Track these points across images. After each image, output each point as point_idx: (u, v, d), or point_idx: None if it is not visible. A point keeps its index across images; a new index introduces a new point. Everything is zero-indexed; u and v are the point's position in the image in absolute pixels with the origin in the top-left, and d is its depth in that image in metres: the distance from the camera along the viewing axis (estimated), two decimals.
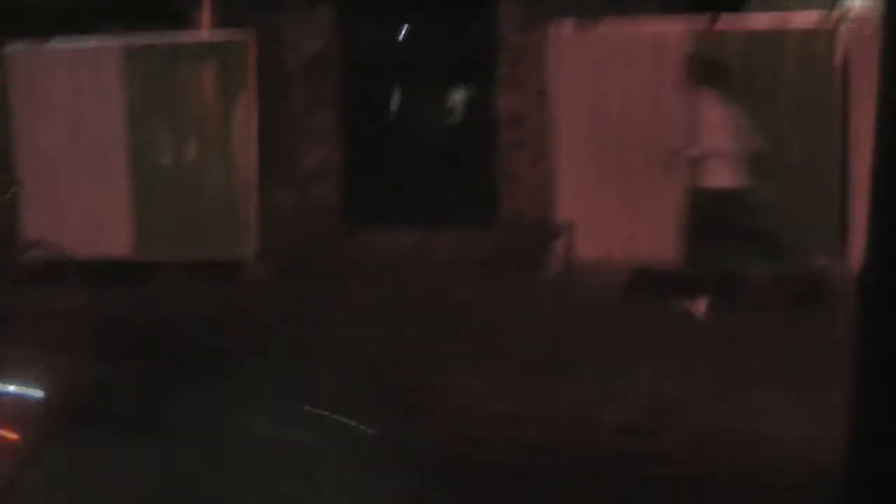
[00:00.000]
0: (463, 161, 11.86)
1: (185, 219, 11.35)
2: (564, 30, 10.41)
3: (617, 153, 10.35)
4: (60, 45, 11.63)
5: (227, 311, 9.88)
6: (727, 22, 10.13)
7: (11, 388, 5.69)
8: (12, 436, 5.37)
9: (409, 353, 8.21)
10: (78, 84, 11.51)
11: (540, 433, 6.42)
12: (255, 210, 11.24)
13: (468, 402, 7.08)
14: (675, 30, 10.21)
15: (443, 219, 11.45)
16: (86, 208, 11.43)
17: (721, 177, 10.02)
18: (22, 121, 11.63)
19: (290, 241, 11.18)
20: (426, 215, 11.46)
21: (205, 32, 11.64)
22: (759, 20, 10.16)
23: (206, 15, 11.71)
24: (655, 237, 10.19)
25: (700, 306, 9.46)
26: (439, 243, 11.40)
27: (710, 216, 9.94)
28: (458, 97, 12.15)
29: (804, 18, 9.96)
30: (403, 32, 12.07)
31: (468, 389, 7.31)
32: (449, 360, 8.00)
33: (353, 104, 11.83)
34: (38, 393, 5.81)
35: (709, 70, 10.03)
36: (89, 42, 11.59)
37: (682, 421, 6.52)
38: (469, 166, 11.81)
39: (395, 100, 12.22)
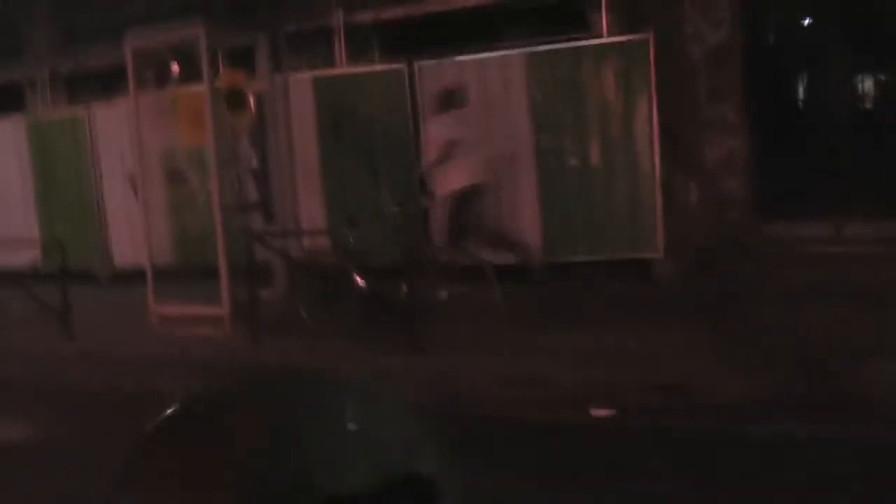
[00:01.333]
0: (876, 149, 11.28)
1: (590, 218, 11.52)
2: None
3: None
4: (466, 56, 12.13)
5: (638, 306, 9.96)
6: None
7: None
8: None
9: (830, 343, 7.91)
10: (484, 93, 11.94)
11: None
12: (659, 206, 11.23)
13: None
14: None
15: (855, 209, 10.95)
16: (496, 212, 11.83)
17: None
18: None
19: (697, 236, 11.07)
20: (837, 205, 10.99)
21: (604, 34, 11.78)
22: None
23: (604, 17, 11.85)
24: None
25: None
26: (851, 234, 10.90)
27: None
28: (868, 83, 11.61)
29: None
30: (808, 19, 11.66)
31: None
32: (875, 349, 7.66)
33: (757, 93, 11.55)
34: None
35: None
36: (493, 52, 12.01)
37: None
38: (883, 154, 11.21)
39: (802, 87, 11.83)
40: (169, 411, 1.14)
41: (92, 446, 6.79)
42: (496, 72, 11.94)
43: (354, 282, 10.30)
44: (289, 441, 1.05)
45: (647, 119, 11.26)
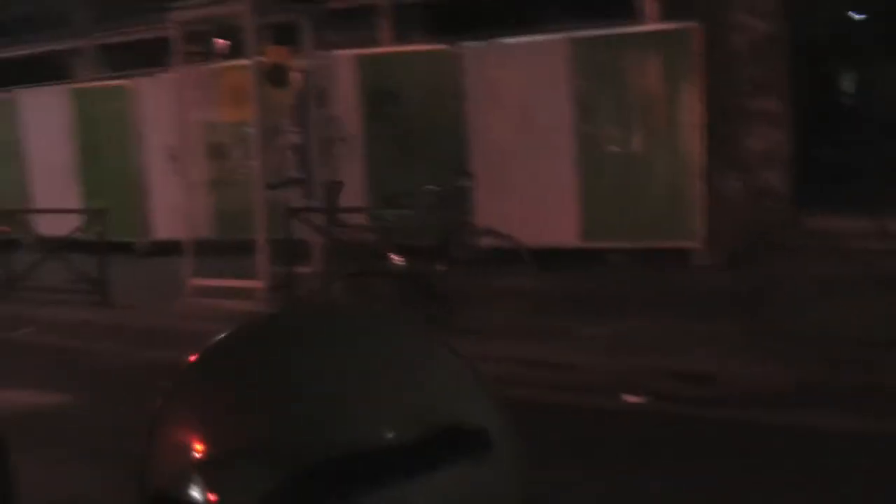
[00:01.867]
0: None
1: (631, 206, 11.46)
2: None
3: None
4: (510, 40, 12.10)
5: (673, 295, 9.91)
6: None
7: None
8: None
9: (864, 337, 7.84)
10: (527, 77, 11.92)
11: None
12: (701, 196, 11.16)
13: None
14: None
15: None
16: (535, 197, 11.81)
17: None
18: (474, 114, 12.21)
19: (738, 227, 10.99)
20: (879, 200, 10.86)
21: (649, 22, 11.70)
22: None
23: (650, 4, 11.78)
24: None
25: None
26: (893, 230, 10.78)
27: None
28: None
29: None
30: (853, 12, 11.53)
31: None
32: None
33: (801, 86, 11.43)
34: None
35: None
36: (537, 36, 11.97)
37: None
38: None
39: (845, 81, 11.71)
40: (217, 338, 1.13)
41: (119, 415, 6.85)
42: (540, 56, 11.90)
43: (391, 261, 10.32)
44: (315, 382, 1.02)
45: (690, 108, 11.17)
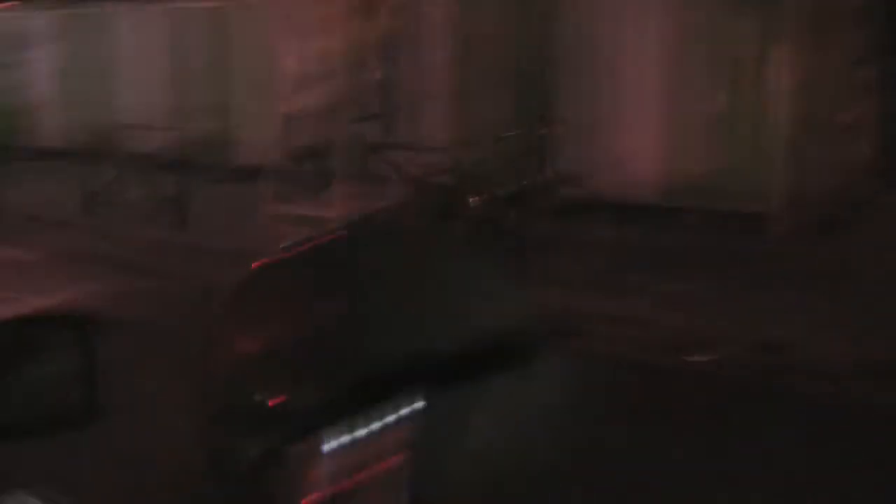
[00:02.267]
0: None
1: (713, 166, 11.27)
2: None
3: None
4: None
5: (747, 259, 9.80)
6: None
7: None
8: None
9: None
10: (618, 26, 11.74)
11: None
12: (784, 161, 10.93)
13: None
14: None
15: None
16: (618, 149, 11.66)
17: None
18: (564, 60, 12.08)
19: (820, 196, 10.77)
20: None
21: None
22: None
23: None
24: None
25: None
26: None
27: None
28: None
29: None
30: None
31: None
32: None
33: None
34: None
35: None
36: None
37: None
38: None
39: None
40: (282, 247, 1.16)
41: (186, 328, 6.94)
42: (633, 5, 11.71)
43: (467, 203, 10.30)
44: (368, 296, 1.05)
45: (782, 70, 10.92)
